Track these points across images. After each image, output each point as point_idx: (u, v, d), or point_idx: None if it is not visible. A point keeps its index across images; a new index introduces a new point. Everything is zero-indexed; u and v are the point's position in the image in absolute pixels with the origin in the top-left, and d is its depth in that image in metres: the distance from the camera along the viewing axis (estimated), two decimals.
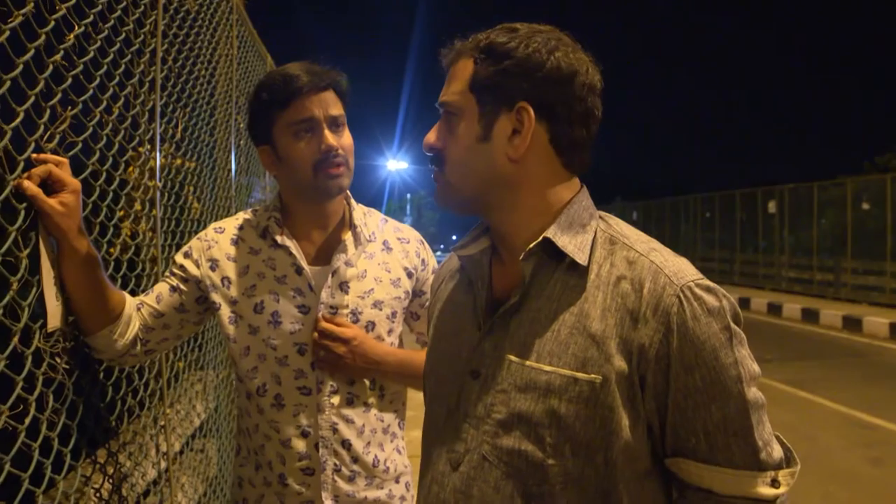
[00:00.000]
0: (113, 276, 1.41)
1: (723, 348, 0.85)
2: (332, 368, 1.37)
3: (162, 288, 1.41)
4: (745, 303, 13.99)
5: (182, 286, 1.41)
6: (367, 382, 1.42)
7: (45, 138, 1.08)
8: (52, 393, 1.07)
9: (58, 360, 1.10)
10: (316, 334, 1.35)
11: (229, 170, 2.57)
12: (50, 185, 1.05)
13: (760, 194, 16.98)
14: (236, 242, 1.42)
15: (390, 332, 1.46)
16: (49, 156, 1.07)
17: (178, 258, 1.44)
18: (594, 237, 0.91)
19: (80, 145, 1.17)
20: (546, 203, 0.92)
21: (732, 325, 0.86)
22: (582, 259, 0.89)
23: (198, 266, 1.41)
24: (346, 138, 1.37)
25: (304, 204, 1.41)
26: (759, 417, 0.86)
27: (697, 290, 0.85)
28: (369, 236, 1.46)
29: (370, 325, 1.41)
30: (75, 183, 1.09)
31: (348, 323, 1.38)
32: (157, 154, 1.60)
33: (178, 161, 2.32)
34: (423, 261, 1.53)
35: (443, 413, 0.97)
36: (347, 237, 1.43)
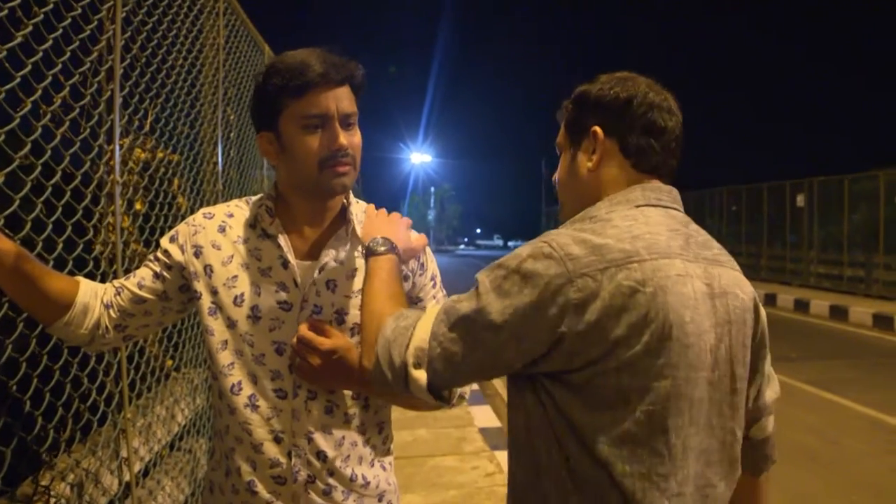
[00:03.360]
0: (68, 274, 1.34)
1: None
2: (307, 378, 1.28)
3: (145, 272, 1.35)
4: (771, 299, 13.65)
5: (165, 273, 1.34)
6: (348, 391, 1.33)
7: None
8: None
9: None
10: (294, 340, 1.27)
11: (215, 163, 2.49)
12: None
13: (789, 187, 16.56)
14: (223, 230, 1.35)
15: None
16: None
17: (164, 242, 1.37)
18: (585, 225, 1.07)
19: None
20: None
21: (505, 265, 1.01)
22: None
23: (182, 251, 1.34)
24: (356, 137, 1.31)
25: (301, 196, 1.34)
26: (443, 316, 1.03)
27: (528, 246, 1.02)
28: None
29: (356, 328, 1.32)
30: None
31: (333, 331, 1.29)
32: (116, 147, 1.51)
33: (161, 154, 2.25)
34: (421, 265, 1.43)
35: None
36: (342, 233, 1.35)
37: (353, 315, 1.32)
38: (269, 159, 1.35)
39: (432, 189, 50.14)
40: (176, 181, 2.27)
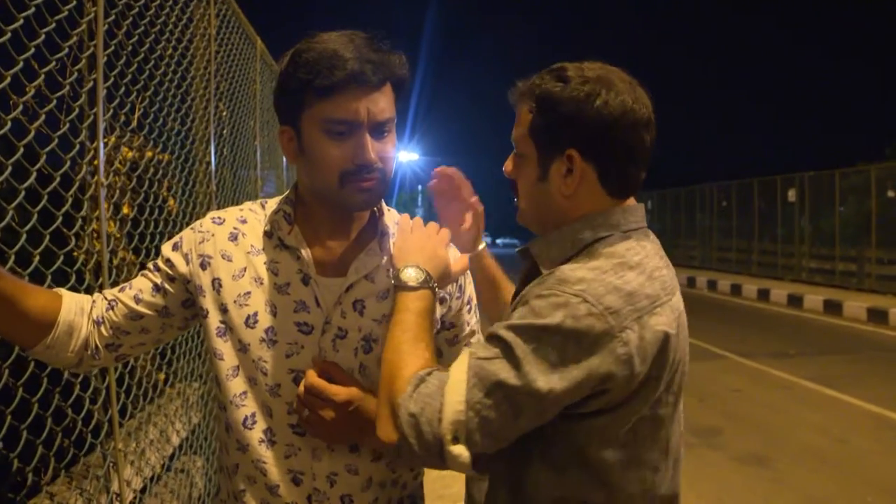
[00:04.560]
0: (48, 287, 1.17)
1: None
2: (319, 435, 1.10)
3: (143, 284, 1.17)
4: (764, 294, 13.64)
5: (167, 285, 1.16)
6: None
7: None
8: None
9: None
10: (301, 389, 1.08)
11: (208, 162, 2.31)
12: None
13: (780, 182, 16.57)
14: (235, 238, 1.17)
15: None
16: None
17: (166, 250, 1.19)
18: (577, 253, 1.03)
19: None
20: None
21: (547, 328, 0.92)
22: (546, 268, 1.04)
23: (187, 262, 1.16)
24: (389, 145, 1.12)
25: (323, 205, 1.16)
26: (475, 380, 0.93)
27: (552, 298, 0.94)
28: None
29: None
30: None
31: (346, 376, 1.10)
32: (100, 144, 1.34)
33: (150, 153, 2.07)
34: (459, 287, 1.27)
35: None
36: (373, 247, 1.17)
37: (383, 343, 1.12)
38: (288, 158, 1.17)
39: (420, 187, 49.97)
40: (166, 182, 2.09)
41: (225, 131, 2.64)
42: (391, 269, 1.13)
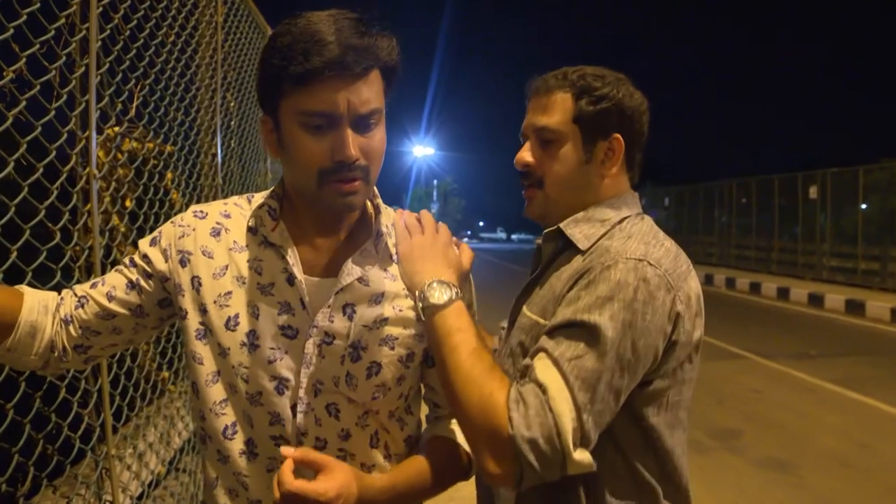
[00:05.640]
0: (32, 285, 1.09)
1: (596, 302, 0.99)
2: None
3: (116, 280, 1.09)
4: (784, 293, 13.40)
5: (144, 282, 1.08)
6: (367, 438, 1.06)
7: None
8: None
9: None
10: (277, 495, 0.92)
11: (214, 154, 2.24)
12: None
13: (801, 179, 16.27)
14: (218, 233, 1.08)
15: (400, 380, 1.08)
16: None
17: (144, 245, 1.10)
18: (609, 230, 1.13)
19: None
20: None
21: (620, 298, 0.98)
22: (583, 245, 1.12)
23: (166, 258, 1.07)
24: (376, 141, 1.00)
25: (308, 203, 1.06)
26: (578, 383, 0.95)
27: (620, 265, 1.01)
28: (397, 255, 1.11)
29: (374, 368, 1.05)
30: None
31: (327, 459, 0.96)
32: (93, 134, 1.26)
33: (151, 145, 2.00)
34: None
35: None
36: (368, 247, 1.07)
37: (373, 351, 1.05)
38: (269, 151, 1.06)
39: (435, 182, 49.84)
40: (169, 174, 2.02)
41: (233, 122, 2.57)
42: (418, 293, 1.05)
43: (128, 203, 2.02)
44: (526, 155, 1.18)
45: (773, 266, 17.08)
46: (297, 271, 1.04)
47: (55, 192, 1.15)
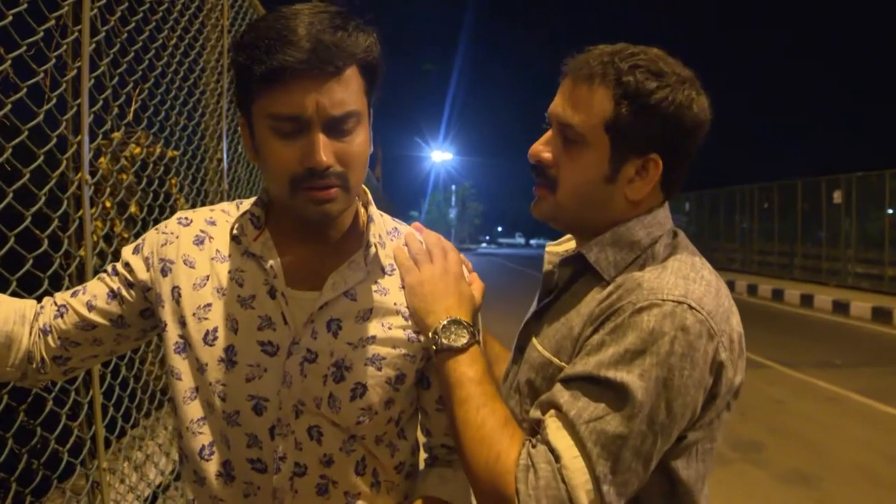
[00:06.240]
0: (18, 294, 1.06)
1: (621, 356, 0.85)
2: None
3: (97, 289, 1.05)
4: (807, 300, 13.14)
5: (125, 292, 1.03)
6: (352, 465, 1.00)
7: None
8: None
9: None
10: None
11: (220, 159, 2.21)
12: None
13: (824, 184, 15.97)
14: (201, 242, 1.03)
15: (388, 403, 1.01)
16: None
17: (126, 253, 1.05)
18: (639, 255, 0.95)
19: None
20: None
21: (654, 352, 0.84)
22: (609, 274, 0.95)
23: (148, 267, 1.03)
24: (355, 146, 0.93)
25: (288, 212, 1.00)
26: (598, 450, 0.83)
27: (654, 309, 0.86)
28: (389, 267, 1.04)
29: (359, 389, 0.98)
30: None
31: None
32: (85, 138, 1.23)
33: (158, 149, 1.97)
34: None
35: None
36: (357, 258, 1.00)
37: (358, 372, 0.98)
38: (248, 156, 1.00)
39: (453, 187, 49.85)
40: (173, 180, 1.99)
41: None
42: (431, 334, 0.97)
43: (133, 209, 2.00)
44: (542, 149, 0.99)
45: (796, 272, 16.78)
46: (279, 284, 0.98)
47: (43, 199, 1.12)
